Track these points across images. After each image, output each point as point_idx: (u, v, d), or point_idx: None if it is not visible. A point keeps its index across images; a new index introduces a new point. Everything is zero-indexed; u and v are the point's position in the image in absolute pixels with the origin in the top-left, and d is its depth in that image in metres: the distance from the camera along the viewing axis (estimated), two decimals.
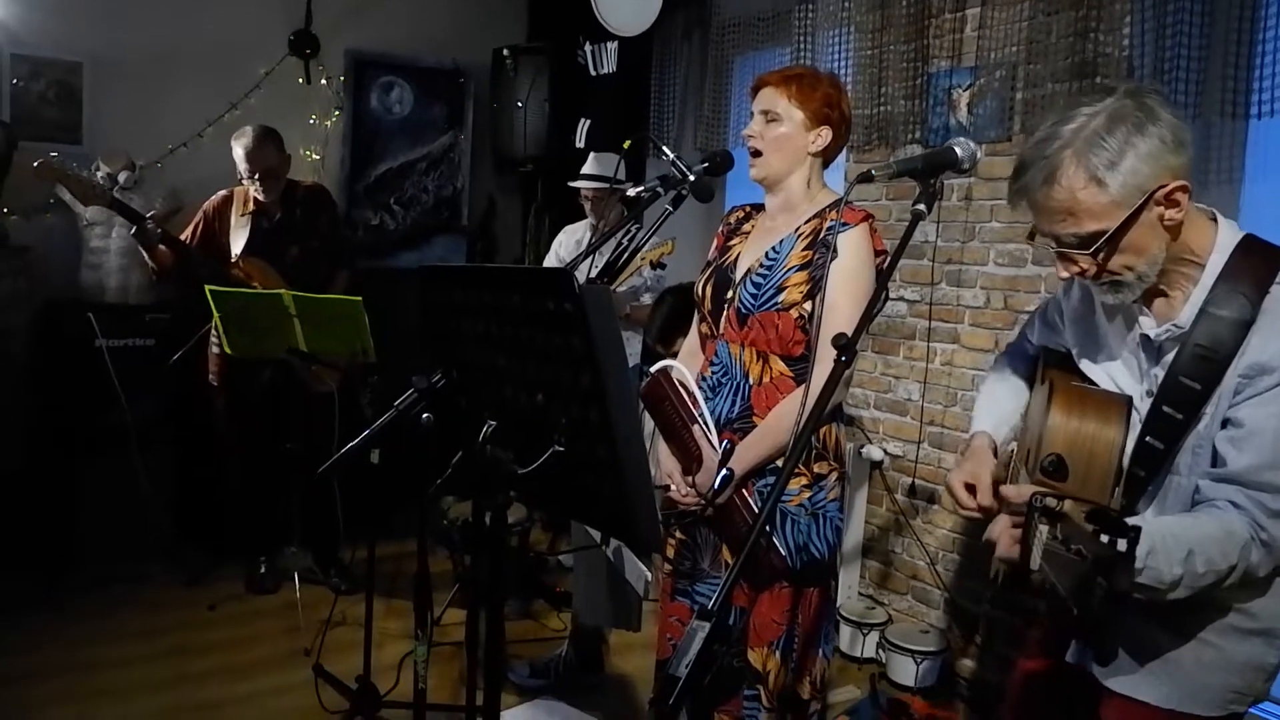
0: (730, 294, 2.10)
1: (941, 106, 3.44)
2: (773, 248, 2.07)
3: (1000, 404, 1.88)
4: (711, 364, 2.13)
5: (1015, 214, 3.22)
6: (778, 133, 2.07)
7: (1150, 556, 1.24)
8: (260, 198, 3.78)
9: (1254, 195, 2.76)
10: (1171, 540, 1.26)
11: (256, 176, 3.71)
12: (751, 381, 2.06)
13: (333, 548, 4.01)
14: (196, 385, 3.94)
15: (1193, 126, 2.20)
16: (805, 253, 2.01)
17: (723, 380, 2.10)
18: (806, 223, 2.06)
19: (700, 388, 2.11)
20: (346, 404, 3.45)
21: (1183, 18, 2.65)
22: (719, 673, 1.08)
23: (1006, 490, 1.46)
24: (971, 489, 1.65)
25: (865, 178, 1.60)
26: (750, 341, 2.05)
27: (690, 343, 2.32)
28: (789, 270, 2.01)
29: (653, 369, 2.06)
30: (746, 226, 2.22)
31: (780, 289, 2.00)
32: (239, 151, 3.70)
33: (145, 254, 3.64)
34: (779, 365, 2.03)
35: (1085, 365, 1.67)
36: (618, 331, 1.36)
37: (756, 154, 2.10)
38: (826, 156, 2.14)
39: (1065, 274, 1.48)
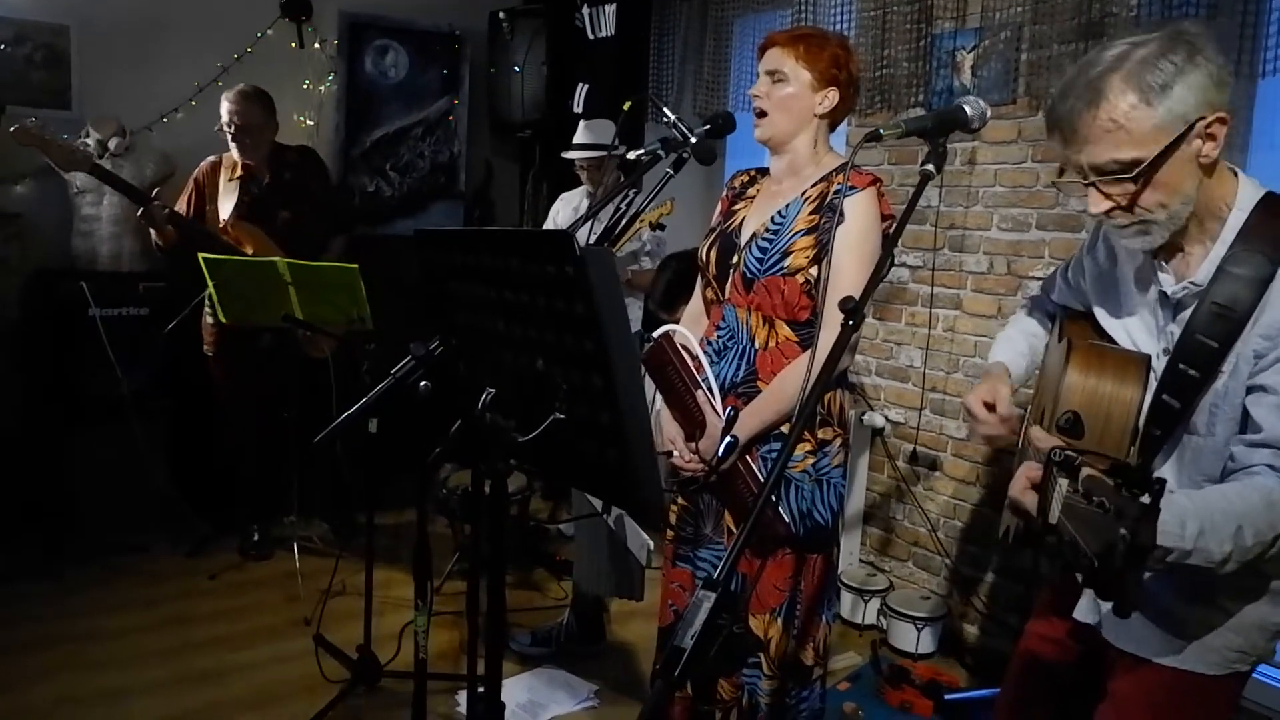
0: (735, 259, 2.06)
1: (945, 69, 3.38)
2: (779, 212, 2.03)
3: (1016, 344, 1.88)
4: (718, 328, 2.10)
5: (1019, 178, 3.19)
6: (784, 93, 2.02)
7: (1200, 538, 1.22)
8: (238, 157, 3.74)
9: (1258, 164, 2.71)
10: (1220, 517, 1.24)
11: (233, 132, 3.67)
12: (757, 346, 2.03)
13: (343, 509, 4.07)
14: (193, 354, 3.91)
15: None
16: (812, 217, 1.98)
17: (728, 344, 2.08)
18: (813, 186, 2.02)
19: (705, 352, 2.08)
20: (342, 371, 3.43)
21: None
22: (725, 643, 1.06)
23: (1035, 431, 1.43)
24: (990, 408, 1.65)
25: (874, 136, 1.56)
26: (756, 306, 2.02)
27: (693, 307, 2.28)
28: (795, 234, 1.98)
29: (655, 333, 2.03)
30: (751, 190, 2.19)
31: (786, 254, 1.97)
32: (224, 105, 3.68)
33: (153, 233, 3.61)
34: (784, 330, 2.01)
35: (1104, 322, 1.65)
36: (620, 294, 1.33)
37: (762, 114, 2.05)
38: (833, 119, 2.10)
39: (1096, 209, 1.43)
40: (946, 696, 2.99)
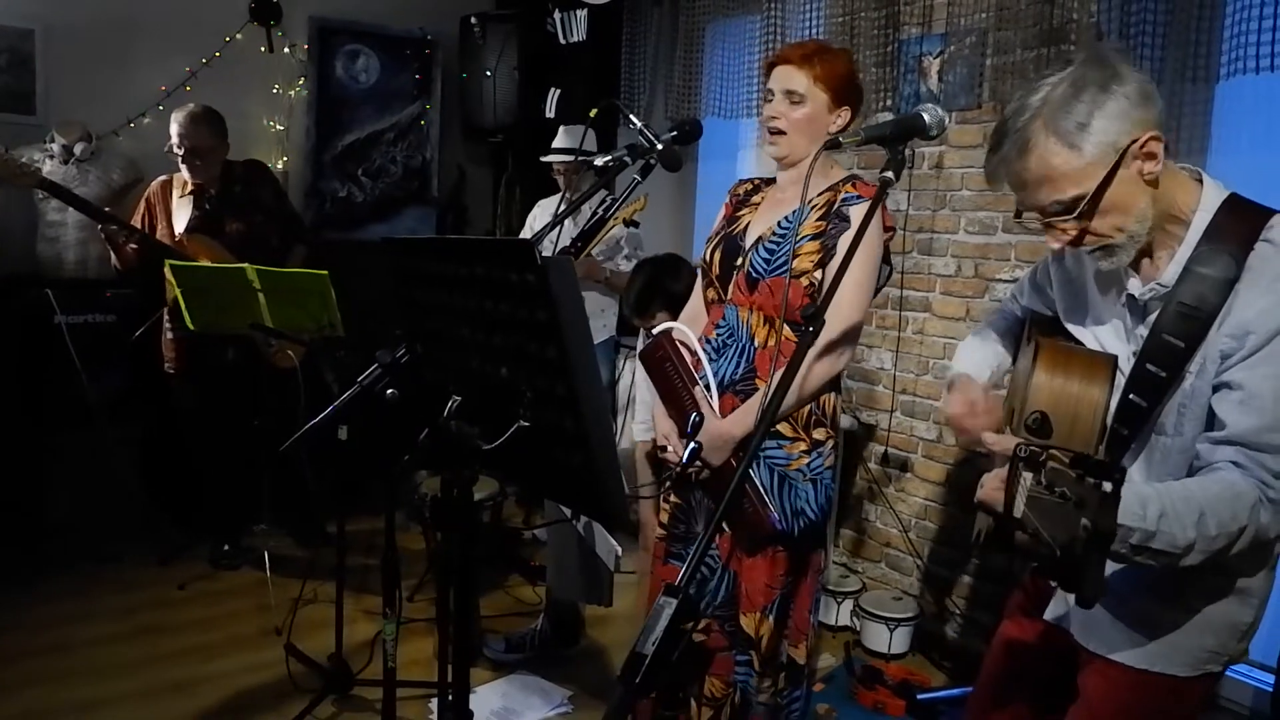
0: (740, 260, 2.12)
1: (912, 74, 3.42)
2: (785, 217, 2.09)
3: (979, 352, 1.89)
4: (717, 327, 2.15)
5: (986, 182, 3.21)
6: (802, 114, 2.07)
7: (1163, 520, 1.24)
8: (187, 178, 3.70)
9: (1218, 167, 2.74)
10: (1182, 504, 1.26)
11: (182, 154, 3.62)
12: (757, 345, 2.08)
13: (308, 518, 4.01)
14: (158, 367, 3.87)
15: (1158, 92, 2.17)
16: (819, 223, 2.04)
17: (728, 342, 2.12)
18: (820, 195, 2.07)
19: (704, 349, 2.13)
20: (311, 379, 3.40)
21: None
22: (687, 649, 1.06)
23: (989, 437, 1.45)
24: (970, 409, 1.67)
25: (833, 144, 1.58)
26: (758, 306, 2.08)
27: (693, 307, 2.33)
28: (802, 239, 2.03)
29: (655, 330, 2.07)
30: (756, 198, 2.24)
31: (793, 256, 2.03)
32: (173, 127, 3.63)
33: (113, 254, 3.57)
34: (785, 331, 2.05)
35: (1073, 328, 1.66)
36: (582, 302, 1.34)
37: (778, 133, 2.09)
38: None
39: (1056, 244, 1.46)
40: (919, 696, 3.01)
